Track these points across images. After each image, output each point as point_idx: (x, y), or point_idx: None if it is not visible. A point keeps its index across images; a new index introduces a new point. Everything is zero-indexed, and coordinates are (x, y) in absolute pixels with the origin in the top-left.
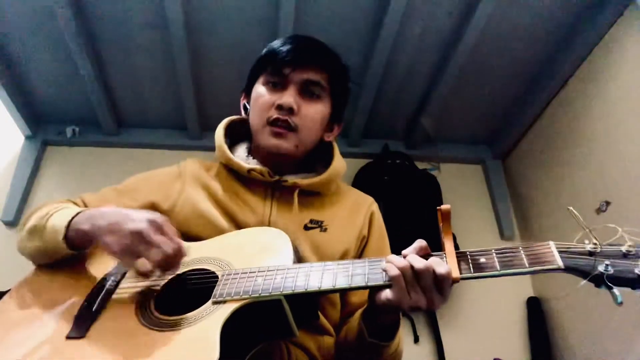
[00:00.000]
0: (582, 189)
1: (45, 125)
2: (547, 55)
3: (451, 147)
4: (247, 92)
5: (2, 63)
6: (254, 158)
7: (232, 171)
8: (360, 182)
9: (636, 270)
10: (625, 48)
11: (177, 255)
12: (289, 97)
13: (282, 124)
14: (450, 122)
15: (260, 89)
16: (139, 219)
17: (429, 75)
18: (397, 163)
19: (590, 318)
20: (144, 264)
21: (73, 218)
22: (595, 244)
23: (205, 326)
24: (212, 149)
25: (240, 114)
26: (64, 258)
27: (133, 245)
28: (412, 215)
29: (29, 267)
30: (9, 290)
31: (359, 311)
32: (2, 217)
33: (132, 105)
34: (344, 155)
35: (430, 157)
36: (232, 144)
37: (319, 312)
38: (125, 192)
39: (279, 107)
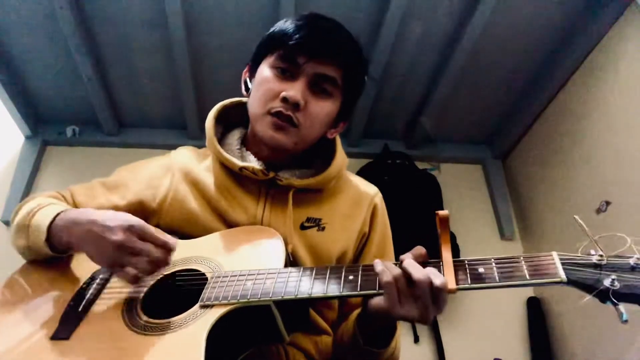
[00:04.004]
0: (582, 189)
1: (45, 125)
2: (547, 55)
3: (451, 147)
4: (252, 66)
5: (2, 63)
6: (247, 149)
7: (223, 164)
8: None
9: None
10: (625, 48)
11: (164, 256)
12: (297, 92)
13: (284, 118)
14: (450, 122)
15: (266, 72)
16: (117, 229)
17: (429, 75)
18: (397, 163)
19: (590, 318)
20: (130, 272)
21: (53, 221)
22: (601, 255)
23: (192, 331)
24: None
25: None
26: (52, 257)
27: (118, 257)
28: (412, 215)
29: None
30: None
31: (354, 314)
32: (2, 217)
33: (132, 105)
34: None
35: (430, 157)
36: (225, 129)
37: (312, 316)
38: (114, 188)
39: (284, 100)
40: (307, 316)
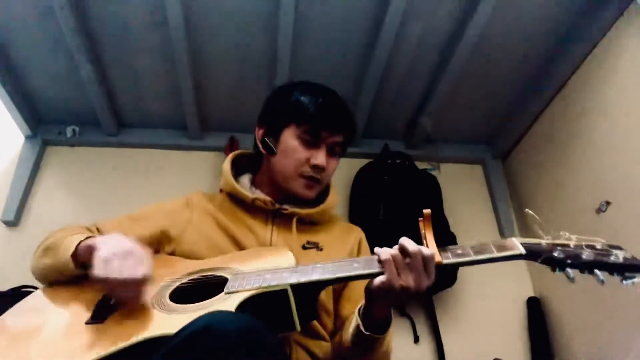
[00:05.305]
0: (582, 189)
1: (45, 125)
2: (547, 55)
3: (451, 147)
4: (269, 129)
5: (2, 63)
6: (257, 188)
7: (235, 200)
8: (360, 182)
9: (583, 256)
10: (625, 48)
11: (134, 285)
12: (323, 160)
13: (315, 180)
14: (450, 122)
15: (293, 143)
16: (132, 246)
17: (429, 76)
18: (397, 163)
19: (590, 318)
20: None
21: (88, 238)
22: (547, 239)
23: (221, 308)
24: (212, 149)
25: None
26: (72, 275)
27: (115, 255)
28: (412, 215)
29: (28, 266)
30: (10, 290)
31: (355, 311)
32: (2, 217)
33: (132, 105)
34: (344, 155)
35: (430, 157)
36: (236, 174)
37: (317, 314)
38: (138, 220)
39: (315, 167)
40: (316, 308)
